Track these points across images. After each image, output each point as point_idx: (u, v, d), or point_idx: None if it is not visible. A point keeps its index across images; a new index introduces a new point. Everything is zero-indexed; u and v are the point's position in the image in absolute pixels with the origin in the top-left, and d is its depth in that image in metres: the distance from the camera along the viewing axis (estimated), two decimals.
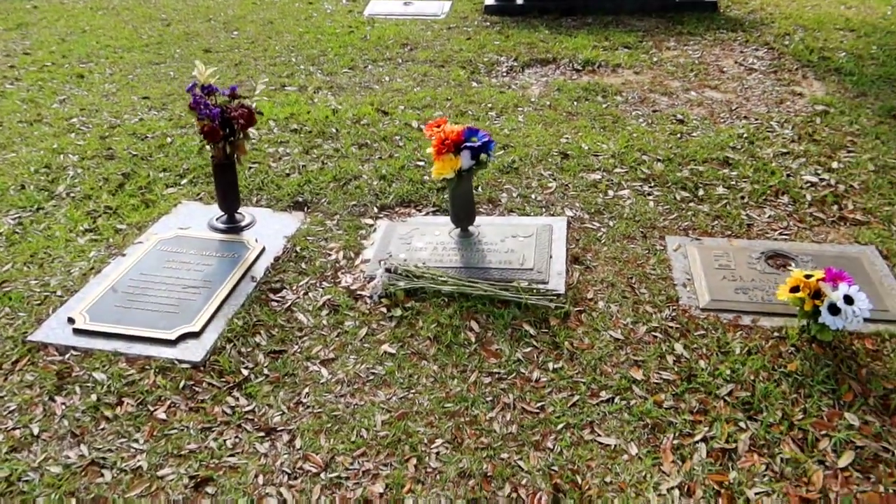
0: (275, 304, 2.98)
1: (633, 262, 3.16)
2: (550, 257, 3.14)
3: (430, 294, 2.95)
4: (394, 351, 2.70)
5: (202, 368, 2.64)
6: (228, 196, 3.44)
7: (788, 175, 3.80)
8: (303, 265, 3.22)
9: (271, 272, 3.17)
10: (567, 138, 4.32)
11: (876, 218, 3.43)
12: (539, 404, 2.46)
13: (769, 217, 3.46)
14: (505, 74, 5.64)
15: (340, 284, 3.09)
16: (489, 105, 4.90)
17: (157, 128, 4.69)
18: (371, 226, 3.50)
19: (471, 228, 3.31)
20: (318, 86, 5.41)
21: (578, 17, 6.72)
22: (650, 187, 3.74)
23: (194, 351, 2.68)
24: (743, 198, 3.61)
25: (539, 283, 2.99)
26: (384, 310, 2.91)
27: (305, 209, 3.68)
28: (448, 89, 5.25)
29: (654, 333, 2.77)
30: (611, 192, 3.70)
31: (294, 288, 3.07)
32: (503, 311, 2.86)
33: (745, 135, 4.28)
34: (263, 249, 3.29)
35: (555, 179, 3.84)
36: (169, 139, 4.52)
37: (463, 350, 2.70)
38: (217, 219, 3.54)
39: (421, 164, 4.05)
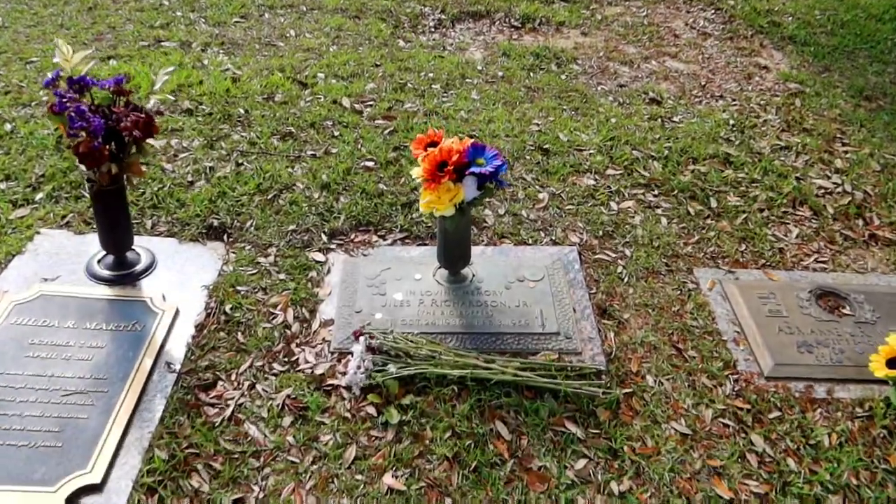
0: (210, 410, 2.01)
1: (668, 310, 2.47)
2: (574, 311, 2.37)
3: (433, 380, 2.10)
4: (402, 487, 1.85)
5: None
6: (116, 233, 2.34)
7: (799, 179, 3.23)
8: (239, 336, 2.24)
9: (195, 352, 2.17)
10: (538, 125, 3.50)
11: None
12: None
13: (797, 238, 2.88)
14: (433, 30, 4.68)
15: (300, 367, 2.16)
16: (430, 75, 3.95)
17: None
18: (322, 263, 2.54)
19: (464, 270, 2.46)
20: (206, 41, 4.18)
21: None
22: (655, 196, 3.04)
23: None
24: (762, 210, 3.01)
25: (571, 354, 2.23)
26: (372, 410, 2.04)
27: (225, 238, 2.64)
28: (372, 50, 4.22)
29: (723, 420, 2.12)
30: (613, 205, 2.96)
31: (233, 378, 2.11)
32: (536, 403, 2.08)
33: (731, 122, 3.67)
34: (177, 313, 2.27)
35: (543, 187, 3.03)
36: (7, 125, 3.20)
37: (496, 473, 1.90)
38: (100, 261, 2.44)
39: (371, 163, 3.08)
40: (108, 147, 2.07)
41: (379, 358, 2.12)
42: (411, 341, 2.16)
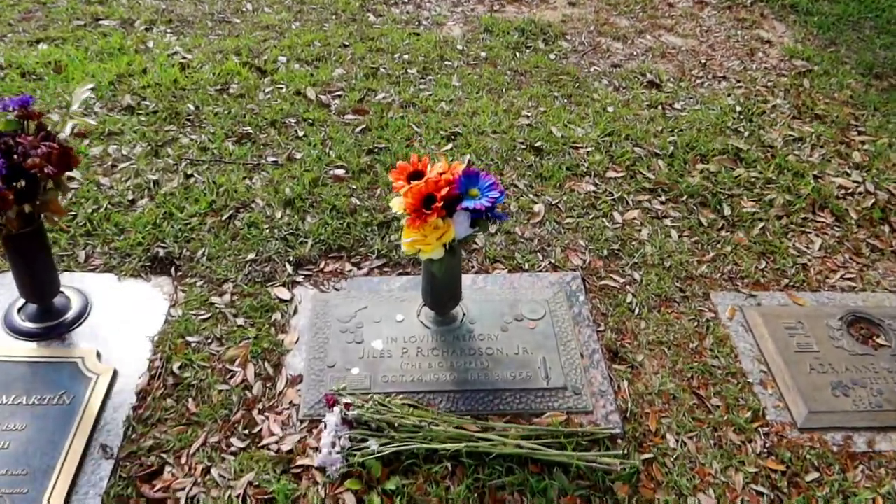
0: None
1: (685, 347, 2.15)
2: (581, 356, 2.04)
3: (423, 456, 1.77)
4: None
5: None
6: (36, 280, 1.94)
7: (817, 177, 2.90)
8: (190, 403, 1.87)
9: (137, 429, 1.80)
10: (528, 117, 3.11)
11: None
12: None
13: (821, 250, 2.56)
14: (407, 0, 4.20)
15: (264, 442, 1.81)
16: (405, 56, 3.52)
17: None
18: (288, 302, 2.17)
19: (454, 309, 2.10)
20: (151, 18, 3.68)
21: None
22: (662, 203, 2.69)
23: None
24: (780, 217, 2.68)
25: (581, 414, 1.90)
26: (351, 500, 1.70)
27: (173, 271, 2.24)
28: (340, 27, 3.76)
29: (755, 487, 1.83)
30: (617, 216, 2.61)
31: (184, 461, 1.75)
32: (544, 482, 1.76)
33: (738, 108, 3.32)
34: (115, 375, 1.89)
35: (537, 196, 2.67)
36: None
37: None
38: (20, 309, 2.03)
39: (341, 171, 2.68)
40: (14, 188, 1.65)
41: (357, 432, 1.77)
42: (395, 410, 1.82)
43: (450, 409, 1.88)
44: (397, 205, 1.80)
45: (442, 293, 1.99)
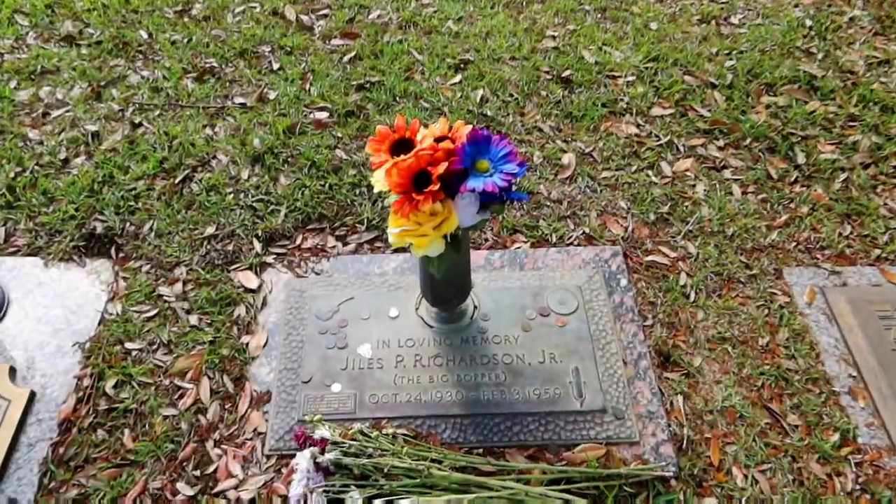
0: None
1: (753, 345, 1.69)
2: (625, 363, 1.58)
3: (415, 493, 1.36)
4: None
5: None
6: None
7: None
8: (126, 436, 1.46)
9: (56, 473, 1.40)
10: (554, 38, 2.52)
11: None
12: None
13: None
14: None
15: (220, 487, 1.40)
16: None
17: None
18: (254, 292, 1.72)
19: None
20: None
21: None
22: (720, 149, 2.15)
23: None
24: (866, 166, 2.14)
25: (624, 445, 1.47)
26: None
27: (113, 252, 1.79)
28: None
29: None
30: (665, 168, 2.08)
31: None
32: None
33: (808, 22, 2.69)
34: (32, 399, 1.48)
35: (566, 142, 2.14)
36: None
37: None
38: None
39: (323, 114, 2.16)
40: None
41: (337, 479, 1.35)
42: (385, 445, 1.39)
43: (456, 440, 1.45)
44: (379, 183, 1.30)
45: (445, 291, 1.52)
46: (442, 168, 1.22)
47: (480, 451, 1.45)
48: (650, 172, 2.06)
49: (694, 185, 2.04)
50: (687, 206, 1.97)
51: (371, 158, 1.27)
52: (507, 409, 1.49)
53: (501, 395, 1.51)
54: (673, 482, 1.44)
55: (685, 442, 1.50)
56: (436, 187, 1.22)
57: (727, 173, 2.08)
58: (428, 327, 1.62)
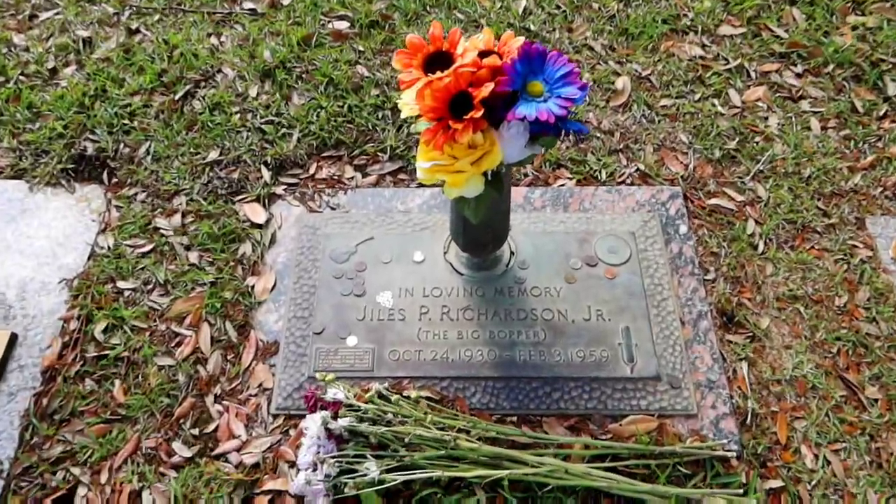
0: None
1: (829, 305, 1.47)
2: (682, 324, 1.37)
3: (444, 483, 1.19)
4: None
5: None
6: None
7: None
8: (116, 387, 1.30)
9: (39, 428, 1.25)
10: None
11: None
12: None
13: None
14: None
15: (220, 449, 1.25)
16: None
17: None
18: (262, 227, 1.51)
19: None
20: None
21: None
22: (798, 76, 1.86)
23: None
24: None
25: (679, 417, 1.28)
26: None
27: (106, 177, 1.59)
28: None
29: None
30: (734, 97, 1.81)
31: (103, 481, 1.21)
32: None
33: None
34: (12, 343, 1.31)
35: (620, 64, 1.86)
36: None
37: None
38: None
39: (343, 24, 1.89)
40: None
41: (351, 448, 1.19)
42: (406, 411, 1.21)
43: (486, 406, 1.27)
44: (408, 108, 1.07)
45: (480, 234, 1.30)
46: (487, 90, 0.99)
47: (514, 419, 1.27)
48: (716, 101, 1.79)
49: (766, 118, 1.76)
50: (757, 142, 1.71)
51: (399, 76, 1.03)
52: (545, 373, 1.30)
53: (540, 356, 1.31)
54: (734, 461, 1.25)
55: (749, 416, 1.31)
56: (478, 114, 0.99)
57: (805, 105, 1.80)
58: (457, 275, 1.42)
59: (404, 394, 1.26)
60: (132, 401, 1.28)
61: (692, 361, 1.34)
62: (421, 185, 1.58)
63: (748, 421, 1.30)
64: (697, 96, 1.79)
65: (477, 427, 1.22)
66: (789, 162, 1.67)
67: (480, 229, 1.28)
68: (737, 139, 1.71)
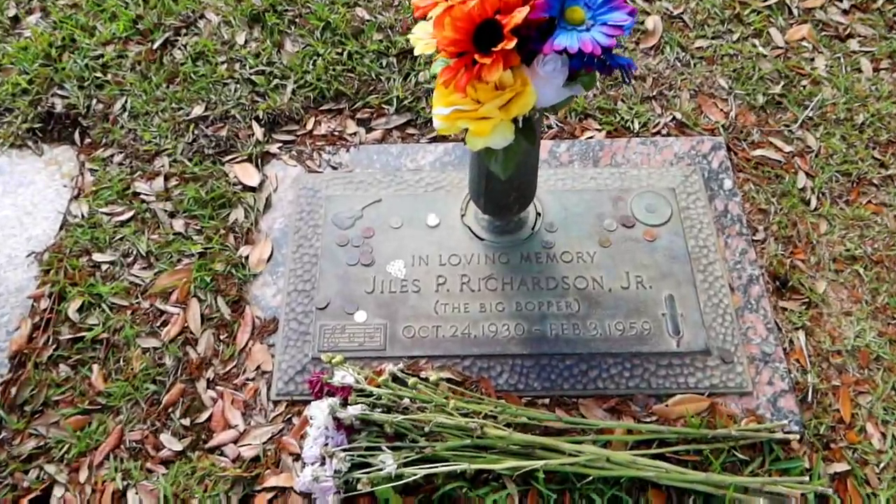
0: None
1: (890, 266, 1.31)
2: (731, 290, 1.22)
3: (470, 476, 1.05)
4: None
5: None
6: None
7: None
8: (94, 373, 1.14)
9: (7, 421, 1.10)
10: None
11: None
12: None
13: None
14: None
15: (214, 441, 1.10)
16: None
17: None
18: (255, 190, 1.35)
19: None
20: None
21: None
22: (844, 13, 1.68)
23: None
24: None
25: (732, 396, 1.13)
26: None
27: (77, 137, 1.41)
28: None
29: None
30: (776, 35, 1.63)
31: (83, 479, 1.06)
32: None
33: None
34: None
35: (648, 1, 1.67)
36: None
37: None
38: None
39: None
40: None
41: (363, 439, 1.04)
42: (425, 395, 1.06)
43: (515, 388, 1.12)
44: (422, 42, 0.89)
45: (504, 193, 1.13)
46: (519, 16, 0.81)
47: (547, 402, 1.12)
48: (756, 42, 1.60)
49: (812, 59, 1.58)
50: (804, 87, 1.53)
51: (413, 1, 0.85)
52: (581, 349, 1.14)
53: (574, 329, 1.16)
54: (795, 444, 1.10)
55: (809, 392, 1.16)
56: (510, 45, 0.81)
57: (854, 44, 1.62)
58: (477, 240, 1.25)
59: (422, 376, 1.11)
60: (113, 388, 1.13)
61: (744, 332, 1.19)
62: (433, 140, 1.41)
63: (809, 398, 1.16)
64: (735, 36, 1.61)
65: (505, 412, 1.07)
66: (840, 108, 1.50)
67: (505, 188, 1.12)
68: (781, 83, 1.53)
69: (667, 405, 1.12)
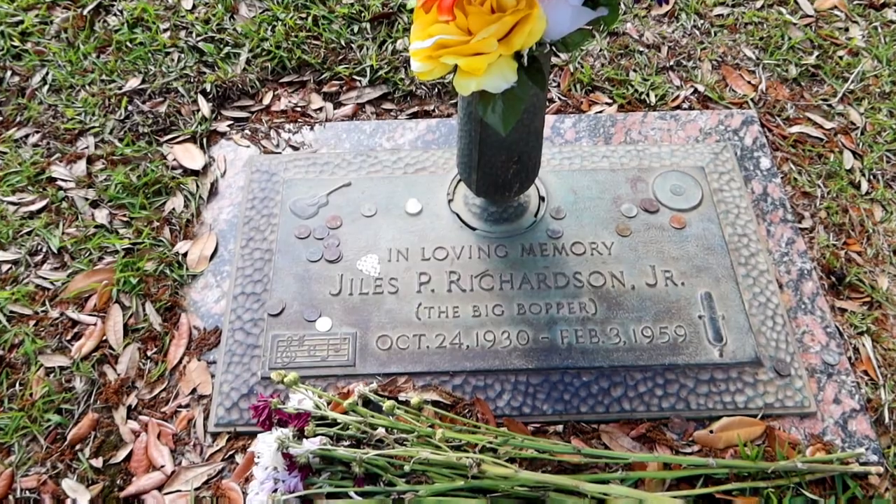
0: None
1: None
2: (780, 287, 0.98)
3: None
4: None
5: None
6: None
7: None
8: None
9: None
10: None
11: None
12: None
13: None
14: None
15: (133, 489, 0.83)
16: None
17: None
18: (199, 174, 1.10)
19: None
20: None
21: None
22: None
23: None
24: None
25: (791, 417, 0.88)
26: None
27: None
28: None
29: None
30: (805, 3, 1.42)
31: None
32: None
33: None
34: None
35: None
36: None
37: None
38: None
39: None
40: None
41: (324, 481, 0.78)
42: (404, 422, 0.81)
43: (520, 412, 0.87)
44: None
45: (503, 165, 0.89)
46: None
47: (560, 429, 0.88)
48: (783, 10, 1.39)
49: (846, 29, 1.37)
50: (841, 57, 1.32)
51: None
52: (600, 361, 0.90)
53: (590, 337, 0.92)
54: (874, 478, 0.86)
55: (885, 411, 0.92)
56: None
57: (890, 13, 1.42)
58: (469, 230, 1.01)
59: (401, 398, 0.87)
60: (4, 421, 0.87)
61: (799, 338, 0.96)
62: (414, 116, 1.18)
63: (885, 418, 0.92)
64: (759, 3, 1.40)
65: (508, 443, 0.83)
66: (884, 80, 1.28)
67: (503, 159, 0.88)
68: (815, 53, 1.31)
69: (711, 431, 0.88)
